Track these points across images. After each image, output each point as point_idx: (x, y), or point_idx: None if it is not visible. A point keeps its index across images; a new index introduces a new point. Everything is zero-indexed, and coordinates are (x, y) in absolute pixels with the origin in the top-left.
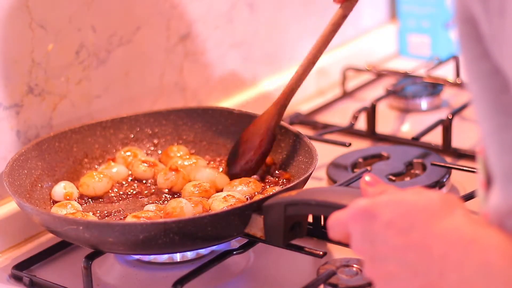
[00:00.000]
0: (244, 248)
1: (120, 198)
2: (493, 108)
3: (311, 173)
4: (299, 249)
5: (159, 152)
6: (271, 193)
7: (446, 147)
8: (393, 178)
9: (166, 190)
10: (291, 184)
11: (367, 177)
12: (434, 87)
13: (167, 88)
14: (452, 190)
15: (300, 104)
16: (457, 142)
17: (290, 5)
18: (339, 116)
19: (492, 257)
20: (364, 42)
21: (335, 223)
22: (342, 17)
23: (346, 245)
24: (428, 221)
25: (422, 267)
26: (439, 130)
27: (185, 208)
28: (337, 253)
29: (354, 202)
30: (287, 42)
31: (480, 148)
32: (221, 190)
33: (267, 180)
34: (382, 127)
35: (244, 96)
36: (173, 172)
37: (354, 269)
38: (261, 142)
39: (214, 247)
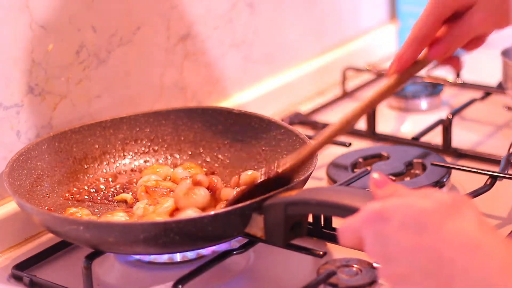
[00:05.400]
0: (244, 248)
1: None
2: None
3: (311, 173)
4: (299, 249)
5: (156, 148)
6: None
7: (446, 147)
8: (393, 178)
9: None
10: (291, 184)
11: (375, 175)
12: (434, 87)
13: (167, 88)
14: (452, 190)
15: (300, 104)
16: (457, 142)
17: (290, 5)
18: (339, 116)
19: (493, 268)
20: (364, 42)
21: (347, 228)
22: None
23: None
24: (438, 223)
25: (432, 270)
26: (439, 130)
27: None
28: (337, 253)
29: (366, 206)
30: (287, 42)
31: None
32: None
33: None
34: (382, 127)
35: (244, 96)
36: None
37: (354, 269)
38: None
39: (214, 247)
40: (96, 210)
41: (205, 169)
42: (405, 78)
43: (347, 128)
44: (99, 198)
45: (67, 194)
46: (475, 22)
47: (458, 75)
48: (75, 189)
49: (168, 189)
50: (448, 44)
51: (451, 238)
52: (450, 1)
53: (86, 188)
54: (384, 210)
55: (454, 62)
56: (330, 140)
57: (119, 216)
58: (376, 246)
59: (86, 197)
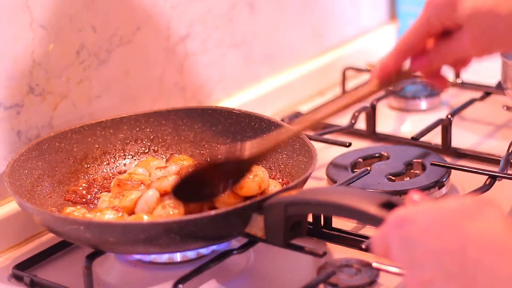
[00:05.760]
0: (244, 247)
1: None
2: None
3: (311, 173)
4: (299, 249)
5: (156, 148)
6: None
7: (446, 147)
8: (393, 178)
9: None
10: (291, 184)
11: (416, 196)
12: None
13: (167, 88)
14: (452, 190)
15: (300, 104)
16: (456, 142)
17: (290, 5)
18: (339, 116)
19: None
20: (364, 42)
21: (376, 237)
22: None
23: (346, 245)
24: (462, 222)
25: (456, 271)
26: (438, 130)
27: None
28: (337, 253)
29: (393, 212)
30: (287, 42)
31: None
32: None
33: None
34: (382, 127)
35: (244, 96)
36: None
37: (354, 269)
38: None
39: (214, 247)
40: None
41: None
42: (386, 84)
43: (319, 124)
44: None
45: (67, 194)
46: (462, 43)
47: (457, 75)
48: (75, 188)
49: (140, 182)
50: (431, 59)
51: (476, 238)
52: (439, 19)
53: (86, 187)
54: (409, 214)
55: (438, 80)
56: (298, 134)
57: (107, 214)
58: (401, 251)
59: (85, 197)
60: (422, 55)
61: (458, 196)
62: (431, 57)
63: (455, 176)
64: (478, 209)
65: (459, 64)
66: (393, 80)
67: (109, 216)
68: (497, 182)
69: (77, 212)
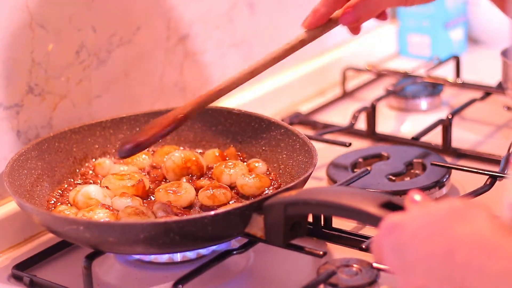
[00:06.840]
0: (244, 248)
1: None
2: None
3: (311, 173)
4: (299, 249)
5: (156, 149)
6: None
7: (446, 147)
8: (393, 178)
9: None
10: (291, 184)
11: (417, 196)
12: (434, 87)
13: (167, 88)
14: (452, 190)
15: (300, 104)
16: (457, 142)
17: (290, 5)
18: (339, 116)
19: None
20: (364, 42)
21: (373, 244)
22: (301, 42)
23: (346, 245)
24: (450, 225)
25: (446, 274)
26: (439, 130)
27: None
28: (337, 253)
29: (386, 218)
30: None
31: None
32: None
33: None
34: (382, 127)
35: (244, 96)
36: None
37: (354, 269)
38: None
39: (214, 247)
40: None
41: (181, 148)
42: (317, 34)
43: (250, 78)
44: None
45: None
46: None
47: (458, 75)
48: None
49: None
50: (358, 15)
51: (465, 239)
52: None
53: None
54: (399, 220)
55: (356, 29)
56: (234, 86)
57: (96, 213)
58: (393, 257)
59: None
60: (350, 11)
61: (449, 199)
62: (357, 13)
63: (456, 176)
64: (467, 211)
65: (382, 15)
66: (323, 28)
67: (99, 215)
68: (497, 182)
69: (68, 211)
